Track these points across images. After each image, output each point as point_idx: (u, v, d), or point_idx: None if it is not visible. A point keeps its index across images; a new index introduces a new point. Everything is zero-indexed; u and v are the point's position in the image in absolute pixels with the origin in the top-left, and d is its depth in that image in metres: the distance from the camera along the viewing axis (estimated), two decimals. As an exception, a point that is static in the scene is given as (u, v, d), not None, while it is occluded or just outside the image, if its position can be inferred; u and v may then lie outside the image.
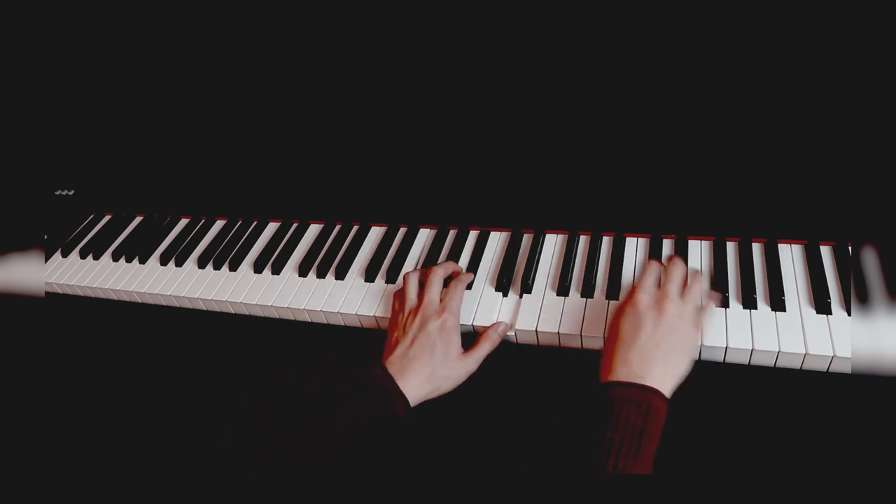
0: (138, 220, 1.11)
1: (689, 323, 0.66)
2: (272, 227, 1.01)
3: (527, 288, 0.80)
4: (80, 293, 1.02)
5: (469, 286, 0.82)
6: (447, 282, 0.79)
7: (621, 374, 0.62)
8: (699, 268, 0.77)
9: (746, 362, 0.69)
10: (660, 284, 0.70)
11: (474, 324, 0.78)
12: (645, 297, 0.67)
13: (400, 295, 0.79)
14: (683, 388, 0.64)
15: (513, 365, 0.81)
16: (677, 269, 0.71)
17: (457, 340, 0.73)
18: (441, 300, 0.76)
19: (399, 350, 0.72)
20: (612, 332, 0.67)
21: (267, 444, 0.65)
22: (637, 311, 0.66)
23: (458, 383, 0.73)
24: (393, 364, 0.71)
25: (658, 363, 0.63)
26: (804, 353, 0.66)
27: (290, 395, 0.69)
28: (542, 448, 0.63)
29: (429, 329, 0.72)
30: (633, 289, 0.69)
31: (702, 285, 0.71)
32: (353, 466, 0.65)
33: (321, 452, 0.65)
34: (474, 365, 0.73)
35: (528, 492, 0.56)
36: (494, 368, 0.76)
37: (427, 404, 0.71)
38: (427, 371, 0.70)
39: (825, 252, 0.76)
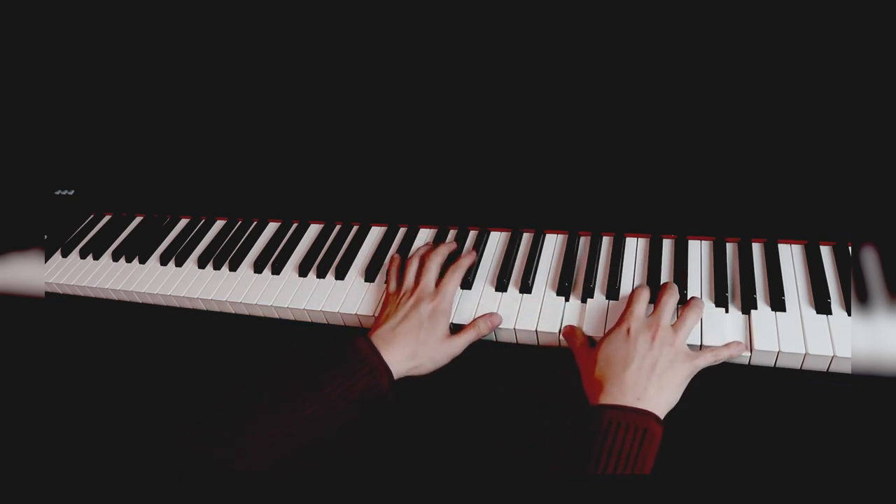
0: (138, 220, 1.11)
1: (682, 352, 0.66)
2: (272, 227, 1.01)
3: (527, 288, 0.80)
4: (80, 293, 1.02)
5: (469, 285, 0.82)
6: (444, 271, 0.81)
7: (614, 395, 0.62)
8: (699, 268, 0.77)
9: (746, 362, 0.69)
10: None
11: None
12: (636, 324, 0.67)
13: (398, 275, 0.81)
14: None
15: (512, 364, 0.81)
16: (671, 296, 0.71)
17: (444, 324, 0.75)
18: (436, 285, 0.78)
19: (388, 325, 0.74)
20: (596, 358, 0.67)
21: (264, 442, 0.65)
22: (630, 336, 0.66)
23: (440, 365, 0.74)
24: (379, 338, 0.73)
25: (652, 385, 0.62)
26: (804, 353, 0.66)
27: (283, 384, 0.69)
28: (530, 457, 0.62)
29: (420, 309, 0.75)
30: (623, 316, 0.69)
31: (698, 314, 0.70)
32: (344, 450, 0.66)
33: (315, 435, 0.66)
34: (458, 349, 0.75)
35: (521, 491, 0.56)
36: (494, 368, 0.76)
37: (421, 400, 0.71)
38: (411, 347, 0.72)
39: (825, 252, 0.76)
